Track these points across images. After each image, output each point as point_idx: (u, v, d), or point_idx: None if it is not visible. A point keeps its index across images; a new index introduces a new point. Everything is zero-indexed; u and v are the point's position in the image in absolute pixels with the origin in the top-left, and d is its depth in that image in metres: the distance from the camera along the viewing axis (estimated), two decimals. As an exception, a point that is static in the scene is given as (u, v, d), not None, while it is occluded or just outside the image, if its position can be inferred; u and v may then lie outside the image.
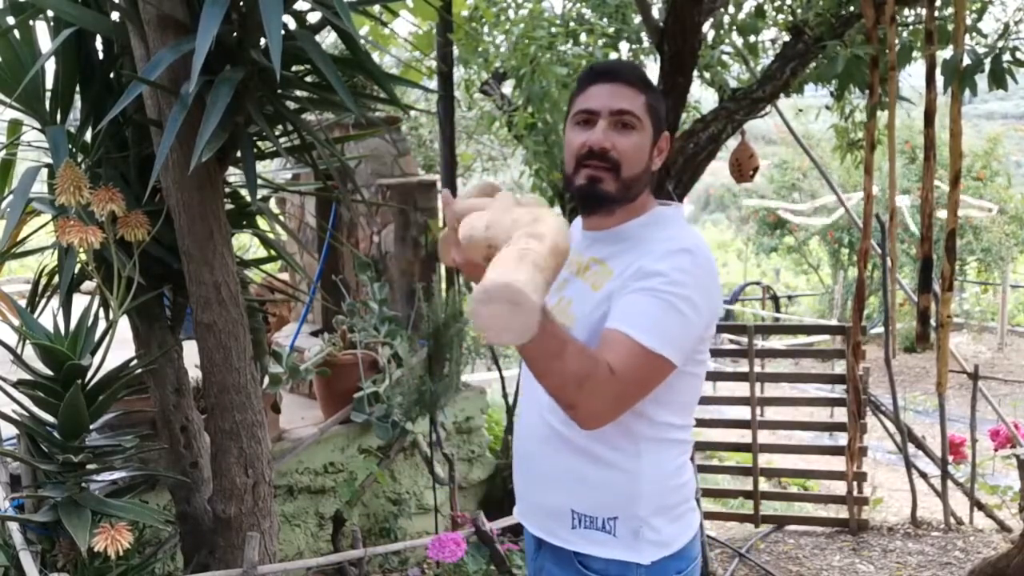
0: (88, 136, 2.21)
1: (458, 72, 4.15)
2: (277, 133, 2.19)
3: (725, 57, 4.13)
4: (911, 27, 3.66)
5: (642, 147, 1.43)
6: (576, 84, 1.51)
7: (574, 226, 1.57)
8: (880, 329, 7.56)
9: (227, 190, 2.25)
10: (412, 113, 5.84)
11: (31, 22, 2.13)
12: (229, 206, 2.28)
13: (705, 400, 5.58)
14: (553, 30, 3.73)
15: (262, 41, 1.84)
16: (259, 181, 2.09)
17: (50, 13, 2.06)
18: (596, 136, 1.41)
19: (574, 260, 1.49)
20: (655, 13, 3.69)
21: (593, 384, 1.25)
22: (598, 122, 1.42)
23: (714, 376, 6.48)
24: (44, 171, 2.17)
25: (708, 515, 4.41)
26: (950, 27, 2.96)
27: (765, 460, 4.82)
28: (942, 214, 4.90)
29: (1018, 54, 2.72)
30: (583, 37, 3.94)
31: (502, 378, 4.40)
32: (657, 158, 1.48)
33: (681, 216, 1.52)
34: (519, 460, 1.58)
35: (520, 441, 1.57)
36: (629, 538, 1.42)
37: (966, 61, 2.65)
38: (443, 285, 4.05)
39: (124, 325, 2.17)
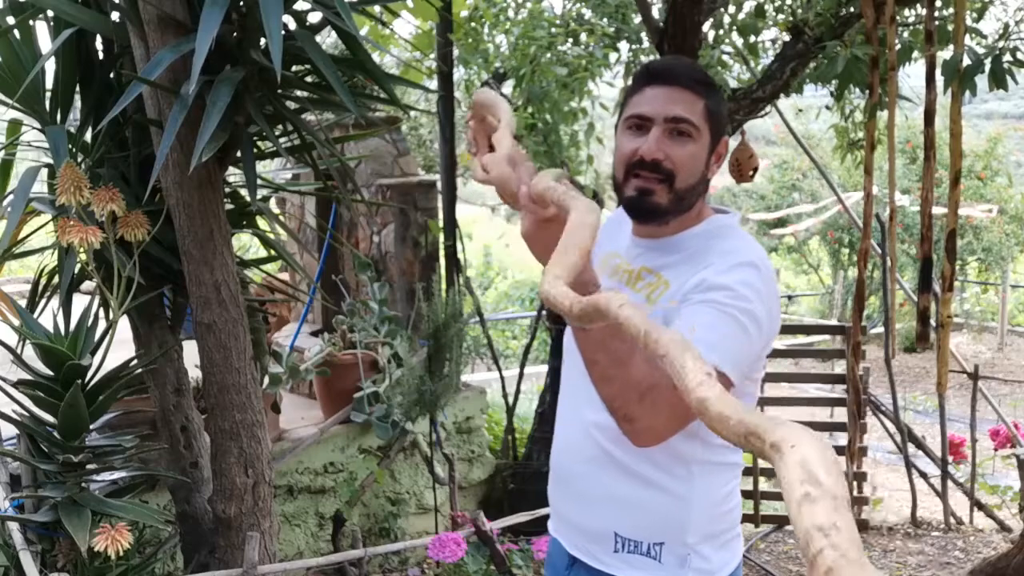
0: (88, 136, 2.21)
1: (458, 72, 4.15)
2: (277, 133, 2.19)
3: (725, 57, 4.13)
4: (911, 27, 3.66)
5: (698, 157, 1.33)
6: (631, 82, 1.40)
7: (616, 223, 1.48)
8: (880, 329, 7.57)
9: (227, 190, 2.25)
10: (412, 113, 5.84)
11: (31, 22, 2.14)
12: (229, 206, 2.28)
13: (705, 400, 5.63)
14: (553, 30, 3.73)
15: (262, 41, 1.84)
16: (259, 181, 2.09)
17: (50, 13, 2.06)
18: (648, 146, 1.30)
19: (623, 268, 1.42)
20: (655, 13, 3.69)
21: (655, 396, 1.15)
22: (651, 129, 1.31)
23: (714, 376, 6.48)
24: (44, 171, 2.17)
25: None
26: (950, 27, 2.96)
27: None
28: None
29: (1018, 54, 2.72)
30: (583, 37, 3.94)
31: (502, 378, 4.41)
32: (715, 165, 1.38)
33: (738, 224, 1.43)
34: (558, 478, 1.50)
35: (561, 459, 1.48)
36: (675, 566, 1.35)
37: (966, 61, 2.64)
38: (443, 285, 4.05)
39: (124, 325, 2.17)
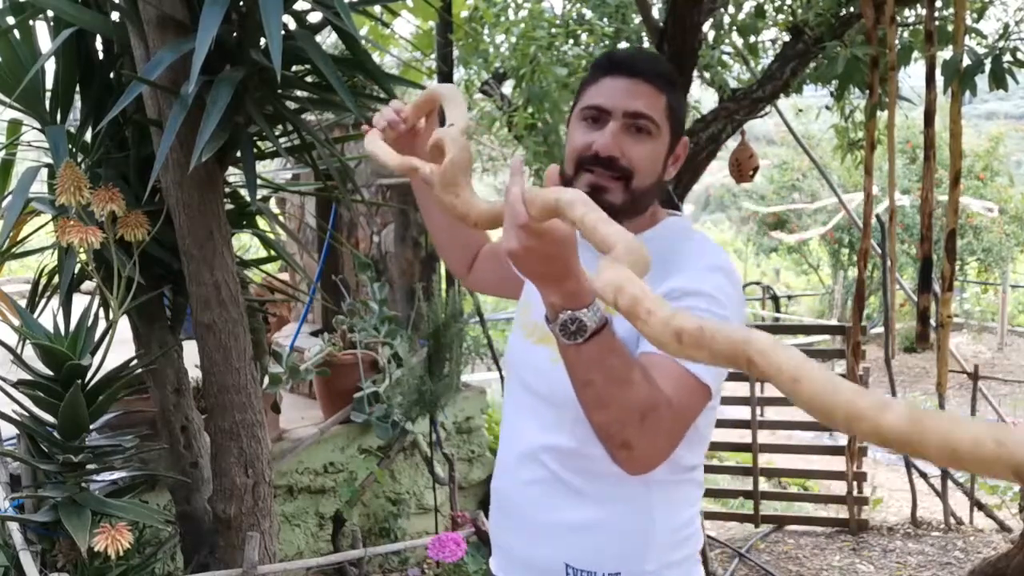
0: (88, 136, 2.21)
1: (458, 72, 4.15)
2: (277, 133, 2.19)
3: (725, 57, 4.13)
4: (911, 27, 3.66)
5: (657, 156, 1.22)
6: (588, 71, 1.28)
7: None
8: (880, 329, 7.57)
9: (227, 190, 2.25)
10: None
11: (31, 22, 2.13)
12: (229, 206, 2.28)
13: (705, 400, 5.63)
14: (553, 30, 3.73)
15: (262, 41, 1.84)
16: (259, 181, 2.09)
17: (50, 13, 2.06)
18: (604, 140, 1.19)
19: None
20: (655, 13, 3.69)
21: (656, 418, 1.03)
22: (608, 123, 1.20)
23: (714, 376, 6.48)
24: (44, 171, 2.17)
25: (708, 515, 4.41)
26: (950, 27, 2.96)
27: (765, 460, 4.82)
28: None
29: (1018, 54, 2.72)
30: (583, 37, 3.94)
31: (502, 378, 4.40)
32: (672, 167, 1.27)
33: (692, 226, 1.34)
34: (500, 509, 1.36)
35: (503, 488, 1.35)
36: None
37: (966, 61, 2.64)
38: (443, 285, 4.05)
39: (124, 325, 2.17)
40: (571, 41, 3.88)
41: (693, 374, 1.10)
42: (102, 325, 2.12)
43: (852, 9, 3.46)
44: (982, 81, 2.67)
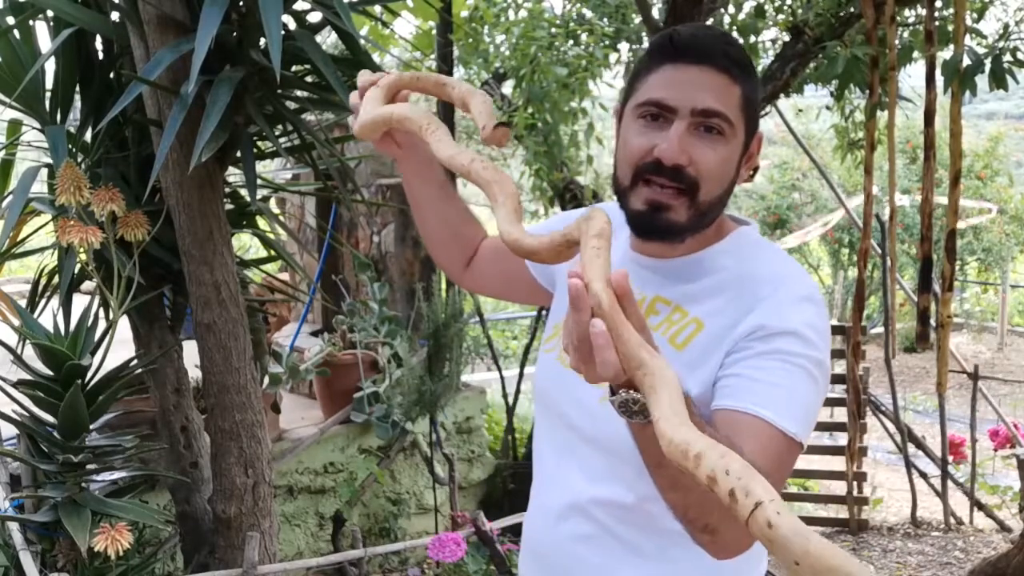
0: (88, 136, 2.21)
1: (458, 72, 4.15)
2: (277, 133, 2.19)
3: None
4: (911, 27, 3.67)
5: (729, 161, 1.03)
6: (646, 56, 1.06)
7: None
8: (880, 329, 7.57)
9: (227, 190, 2.25)
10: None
11: (31, 22, 2.14)
12: (229, 206, 2.28)
13: (705, 400, 5.65)
14: (553, 30, 3.73)
15: (262, 41, 1.84)
16: (259, 181, 2.09)
17: (50, 13, 2.06)
18: (669, 147, 0.98)
19: None
20: (655, 13, 3.69)
21: None
22: (673, 123, 0.99)
23: (714, 376, 6.48)
24: (44, 171, 2.17)
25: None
26: (950, 27, 2.96)
27: (765, 460, 4.81)
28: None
29: (1018, 54, 2.72)
30: (583, 37, 3.94)
31: (502, 378, 4.41)
32: (745, 167, 1.08)
33: (762, 237, 1.16)
34: (536, 561, 1.18)
35: (541, 540, 1.17)
36: None
37: (966, 61, 2.65)
38: (443, 285, 4.05)
39: (124, 325, 2.17)
40: (571, 41, 3.88)
41: (782, 431, 0.93)
42: (102, 325, 2.12)
43: (852, 9, 3.47)
44: (982, 81, 2.67)
